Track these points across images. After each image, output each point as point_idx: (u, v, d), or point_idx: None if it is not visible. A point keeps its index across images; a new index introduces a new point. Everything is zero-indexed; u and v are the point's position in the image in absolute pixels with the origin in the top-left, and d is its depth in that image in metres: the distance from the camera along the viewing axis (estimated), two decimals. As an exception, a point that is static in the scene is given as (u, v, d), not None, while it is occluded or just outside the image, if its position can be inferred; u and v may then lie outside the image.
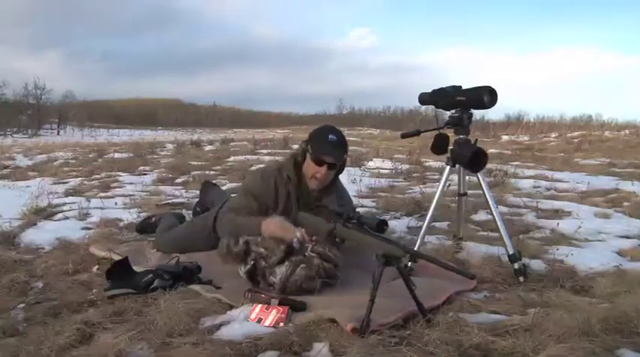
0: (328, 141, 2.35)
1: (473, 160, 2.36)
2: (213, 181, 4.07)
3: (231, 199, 2.54)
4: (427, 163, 6.96)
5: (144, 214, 3.61)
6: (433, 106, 2.59)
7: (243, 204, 2.43)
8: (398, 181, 5.52)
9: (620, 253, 2.72)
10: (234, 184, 5.12)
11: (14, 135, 34.11)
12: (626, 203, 4.11)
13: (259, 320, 1.79)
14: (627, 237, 3.05)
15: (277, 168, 2.47)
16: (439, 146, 2.49)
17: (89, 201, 4.22)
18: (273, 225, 2.25)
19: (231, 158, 7.98)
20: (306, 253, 2.11)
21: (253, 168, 6.45)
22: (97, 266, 2.56)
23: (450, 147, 2.48)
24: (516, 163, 7.48)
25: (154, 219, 3.19)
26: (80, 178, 5.99)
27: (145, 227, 3.18)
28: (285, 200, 2.43)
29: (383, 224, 1.89)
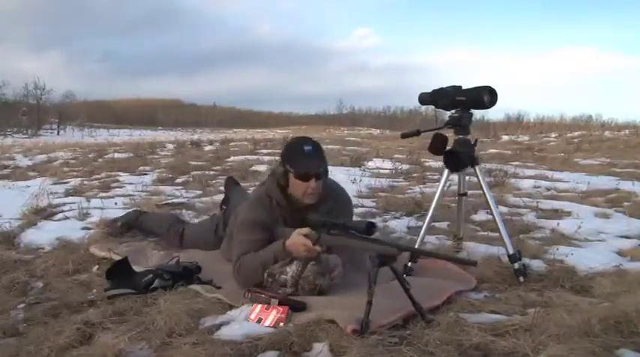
0: (305, 154, 2.23)
1: (447, 158, 2.38)
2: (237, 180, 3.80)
3: (237, 242, 2.29)
4: (427, 163, 6.96)
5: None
6: (433, 106, 2.59)
7: (256, 238, 2.24)
8: (398, 181, 5.52)
9: (620, 253, 2.72)
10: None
11: (14, 135, 34.15)
12: (626, 203, 4.11)
13: (259, 320, 1.79)
14: (627, 237, 3.04)
15: (266, 194, 2.32)
16: (437, 146, 2.48)
17: (89, 201, 4.22)
18: (297, 240, 2.08)
19: (231, 158, 7.98)
20: None
21: (253, 168, 6.44)
22: (97, 266, 2.57)
23: (450, 147, 2.49)
24: (516, 163, 7.47)
25: (119, 223, 3.13)
26: (80, 178, 5.99)
27: (114, 231, 3.09)
28: (282, 225, 2.32)
29: (371, 226, 1.89)
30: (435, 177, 5.68)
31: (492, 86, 2.34)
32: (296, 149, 2.27)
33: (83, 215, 3.67)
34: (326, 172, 2.30)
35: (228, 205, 2.93)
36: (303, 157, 2.23)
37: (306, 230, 2.05)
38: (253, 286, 2.06)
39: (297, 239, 2.06)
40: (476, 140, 2.48)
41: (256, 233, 2.24)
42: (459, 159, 2.42)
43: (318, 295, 2.03)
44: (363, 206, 3.98)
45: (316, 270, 2.05)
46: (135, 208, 3.54)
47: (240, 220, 2.32)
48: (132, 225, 3.14)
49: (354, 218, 2.76)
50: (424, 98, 2.54)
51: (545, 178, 5.61)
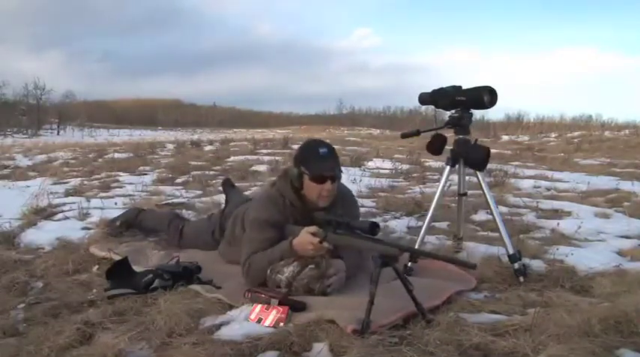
0: (321, 156, 2.22)
1: (485, 160, 2.38)
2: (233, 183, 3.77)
3: (247, 240, 2.30)
4: (427, 163, 6.96)
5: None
6: (433, 106, 2.58)
7: (266, 237, 2.22)
8: (398, 181, 5.52)
9: (620, 253, 2.72)
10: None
11: (14, 135, 34.17)
12: (626, 203, 4.11)
13: (259, 320, 1.79)
14: (627, 237, 3.04)
15: (279, 193, 2.31)
16: (436, 146, 2.48)
17: (89, 201, 4.22)
18: (304, 238, 2.08)
19: (231, 158, 7.98)
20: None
21: (253, 168, 6.44)
22: (97, 266, 2.56)
23: (450, 147, 2.49)
24: (516, 163, 7.47)
25: (118, 222, 3.14)
26: (80, 178, 5.99)
27: (114, 230, 3.10)
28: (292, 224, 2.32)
29: (375, 226, 1.89)
30: (435, 177, 5.68)
31: (492, 86, 2.34)
32: (311, 151, 2.25)
33: (83, 215, 3.67)
34: (340, 174, 2.30)
35: (226, 206, 2.93)
36: (319, 159, 2.22)
37: (314, 228, 2.06)
38: (254, 286, 2.06)
39: (305, 237, 2.06)
40: (476, 140, 2.48)
41: (267, 232, 2.24)
42: (487, 158, 2.43)
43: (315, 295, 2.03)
44: (363, 206, 3.98)
45: (313, 275, 2.04)
46: (133, 207, 3.53)
47: (251, 218, 2.32)
48: (131, 223, 3.15)
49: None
50: (424, 98, 2.54)
51: (545, 178, 5.62)
